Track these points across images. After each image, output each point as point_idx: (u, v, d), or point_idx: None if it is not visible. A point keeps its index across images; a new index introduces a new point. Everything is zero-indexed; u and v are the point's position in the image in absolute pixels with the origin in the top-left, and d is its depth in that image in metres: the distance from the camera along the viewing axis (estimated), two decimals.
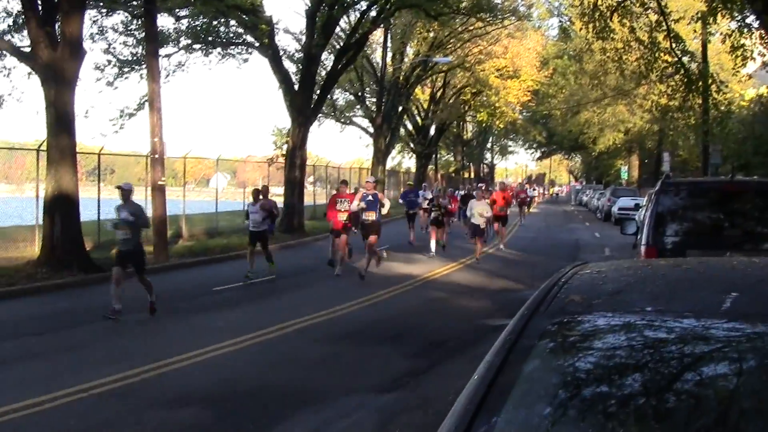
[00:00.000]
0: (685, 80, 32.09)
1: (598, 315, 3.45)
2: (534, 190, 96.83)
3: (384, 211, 25.23)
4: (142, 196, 33.46)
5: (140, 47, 39.34)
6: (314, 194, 53.23)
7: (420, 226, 40.15)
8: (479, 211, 31.70)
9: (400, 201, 44.75)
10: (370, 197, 24.40)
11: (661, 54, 31.81)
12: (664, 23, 31.02)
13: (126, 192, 18.22)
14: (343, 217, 25.26)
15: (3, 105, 31.57)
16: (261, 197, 25.54)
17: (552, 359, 3.20)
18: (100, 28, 39.23)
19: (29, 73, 29.19)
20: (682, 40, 32.85)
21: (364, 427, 9.94)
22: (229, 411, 10.52)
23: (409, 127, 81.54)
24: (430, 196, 39.39)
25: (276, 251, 32.67)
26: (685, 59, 33.21)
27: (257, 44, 42.83)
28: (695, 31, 43.24)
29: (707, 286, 3.79)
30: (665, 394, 2.84)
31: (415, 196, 41.90)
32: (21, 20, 29.20)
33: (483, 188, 40.71)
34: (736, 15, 29.80)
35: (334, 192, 29.22)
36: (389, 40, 62.71)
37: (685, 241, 12.91)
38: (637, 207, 45.36)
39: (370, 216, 24.40)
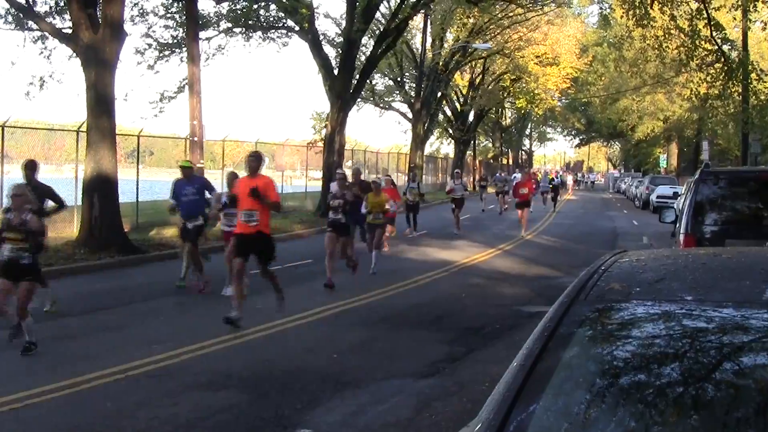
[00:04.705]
0: (725, 68, 31.94)
1: (638, 303, 3.45)
2: (558, 177, 70.82)
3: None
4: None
5: (181, 30, 39.42)
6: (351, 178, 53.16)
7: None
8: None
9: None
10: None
11: (701, 42, 31.62)
12: (704, 11, 30.82)
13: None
14: None
15: (44, 86, 31.74)
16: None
17: (591, 347, 3.19)
18: (141, 11, 39.32)
19: (70, 56, 29.35)
20: (723, 28, 32.69)
21: (401, 412, 9.93)
22: (265, 394, 10.54)
23: (448, 112, 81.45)
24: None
25: (312, 235, 32.67)
26: (726, 47, 33.10)
27: (297, 28, 42.92)
28: (735, 18, 42.96)
29: (747, 276, 3.79)
30: (704, 384, 2.86)
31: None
32: (63, 2, 29.33)
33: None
34: None
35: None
36: (429, 26, 62.59)
37: (724, 230, 12.87)
38: (675, 195, 45.10)
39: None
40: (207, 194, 19.83)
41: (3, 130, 26.82)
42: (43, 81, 31.93)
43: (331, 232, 20.64)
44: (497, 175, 62.68)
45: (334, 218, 20.61)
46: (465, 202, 37.11)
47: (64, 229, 27.20)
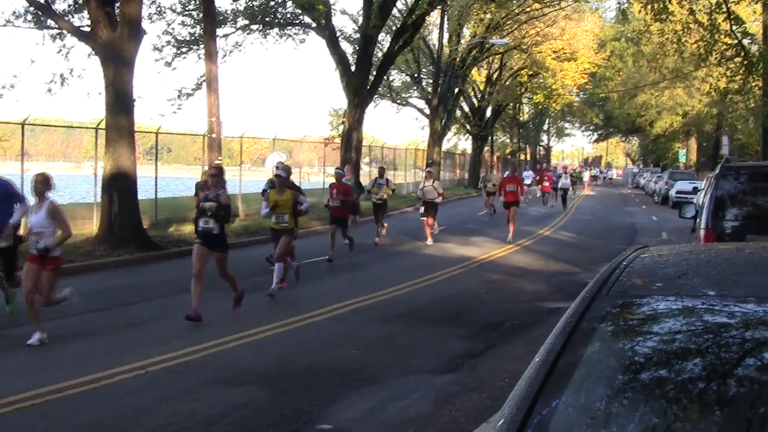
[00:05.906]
0: (745, 63, 31.80)
1: (660, 298, 3.43)
2: (567, 173, 58.70)
3: None
4: (197, 175, 33.65)
5: (198, 27, 39.49)
6: (370, 175, 53.25)
7: None
8: None
9: None
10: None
11: (721, 36, 31.49)
12: (723, 5, 30.69)
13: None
14: None
15: (66, 83, 31.90)
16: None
17: (613, 342, 3.18)
18: (159, 9, 39.41)
19: (89, 54, 29.43)
20: (743, 22, 32.58)
21: (420, 408, 9.93)
22: (284, 390, 10.56)
23: (465, 108, 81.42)
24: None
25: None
26: (746, 41, 32.91)
27: (314, 25, 42.99)
28: (755, 12, 42.72)
29: None
30: (727, 379, 2.83)
31: None
32: (81, 0, 29.42)
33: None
34: None
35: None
36: (446, 22, 62.51)
37: (745, 225, 12.78)
38: (695, 190, 44.94)
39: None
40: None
41: (23, 127, 26.90)
42: (64, 78, 32.09)
43: (200, 245, 15.66)
44: (487, 173, 60.73)
45: (204, 227, 15.56)
46: (437, 206, 30.09)
47: (84, 226, 27.27)
